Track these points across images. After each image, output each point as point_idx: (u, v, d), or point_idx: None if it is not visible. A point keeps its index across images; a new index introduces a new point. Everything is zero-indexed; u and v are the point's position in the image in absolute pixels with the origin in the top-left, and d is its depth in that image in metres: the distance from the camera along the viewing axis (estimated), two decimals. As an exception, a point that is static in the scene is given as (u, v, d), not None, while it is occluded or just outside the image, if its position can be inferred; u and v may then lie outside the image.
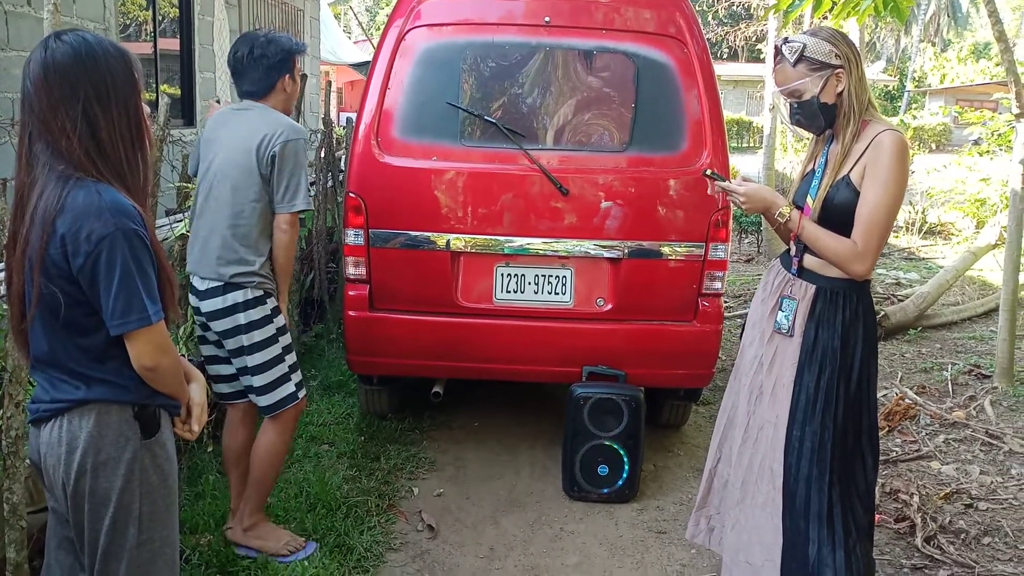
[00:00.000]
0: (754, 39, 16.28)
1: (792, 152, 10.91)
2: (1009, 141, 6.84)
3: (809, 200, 2.43)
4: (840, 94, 2.34)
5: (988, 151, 8.56)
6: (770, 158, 8.91)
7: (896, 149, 2.27)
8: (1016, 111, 4.47)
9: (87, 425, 1.70)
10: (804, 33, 2.42)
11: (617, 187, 3.62)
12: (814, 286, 2.42)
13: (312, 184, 5.91)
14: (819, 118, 2.38)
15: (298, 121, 5.38)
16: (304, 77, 2.99)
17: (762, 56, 17.26)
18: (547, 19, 3.61)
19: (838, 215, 2.34)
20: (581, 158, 3.63)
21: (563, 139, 3.65)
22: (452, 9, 3.69)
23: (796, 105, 2.40)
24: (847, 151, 2.35)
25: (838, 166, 2.36)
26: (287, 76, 2.93)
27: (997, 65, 26.74)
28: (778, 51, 2.41)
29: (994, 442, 4.04)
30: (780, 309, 2.49)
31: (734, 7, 16.27)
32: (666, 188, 3.63)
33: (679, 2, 3.73)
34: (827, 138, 2.47)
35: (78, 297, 1.66)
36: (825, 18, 4.05)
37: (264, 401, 2.91)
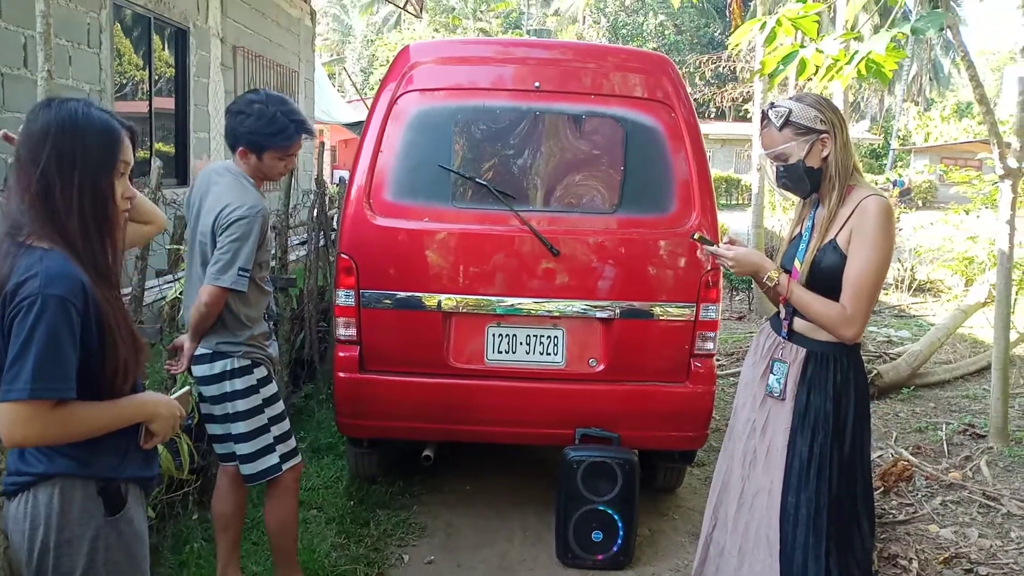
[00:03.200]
0: (740, 100, 16.61)
1: (781, 211, 11.03)
2: (995, 200, 6.93)
3: (797, 263, 2.45)
4: (825, 158, 2.38)
5: (970, 210, 8.68)
6: (759, 216, 8.99)
7: (881, 213, 2.30)
8: (1000, 172, 4.53)
9: (50, 501, 1.65)
10: (790, 98, 2.47)
11: (607, 248, 3.63)
12: (804, 349, 2.42)
13: (302, 243, 5.93)
14: (805, 182, 2.41)
15: (291, 182, 5.42)
16: (285, 157, 2.86)
17: (748, 116, 17.59)
18: (537, 84, 3.67)
19: (825, 279, 2.35)
20: (571, 219, 3.65)
21: (553, 201, 3.68)
22: (444, 74, 3.75)
23: (782, 168, 2.43)
24: (833, 215, 2.37)
25: (824, 230, 2.38)
26: (243, 149, 2.83)
27: (980, 124, 27.30)
28: (764, 115, 2.46)
29: (992, 504, 3.99)
30: (772, 372, 2.48)
31: (720, 69, 16.65)
32: (656, 249, 3.65)
33: (666, 67, 3.80)
34: (813, 202, 2.51)
35: None
36: (810, 80, 4.11)
37: (246, 470, 2.87)
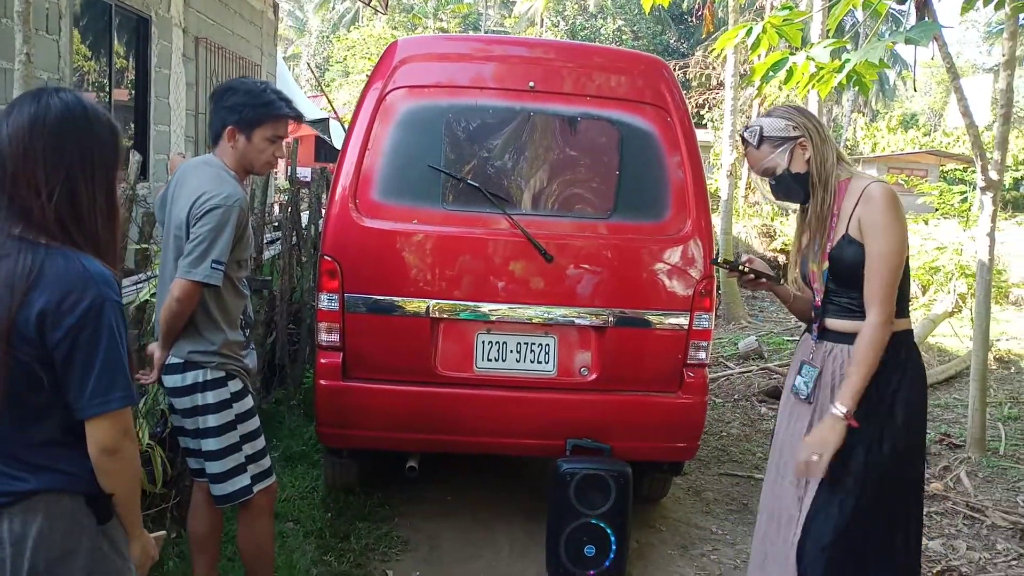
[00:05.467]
0: (705, 107, 16.76)
1: (745, 217, 11.12)
2: (964, 211, 7.07)
3: (813, 266, 2.44)
4: (808, 160, 2.41)
5: (928, 219, 8.85)
6: (727, 223, 9.02)
7: (885, 199, 2.31)
8: (981, 184, 4.57)
9: (35, 520, 1.52)
10: (760, 117, 2.56)
11: (601, 254, 3.54)
12: (847, 347, 2.35)
13: (272, 243, 5.72)
14: (796, 188, 2.46)
15: (268, 178, 5.22)
16: (275, 140, 2.67)
17: (704, 122, 17.76)
18: (532, 84, 3.56)
19: (849, 272, 2.34)
20: (565, 224, 3.55)
21: (547, 205, 3.57)
22: (434, 71, 3.62)
23: (774, 181, 2.49)
24: (834, 211, 2.38)
25: (830, 229, 2.38)
26: (232, 127, 2.63)
27: (925, 135, 28.05)
28: (744, 139, 2.52)
29: (976, 515, 4.01)
30: (799, 374, 2.45)
31: (684, 78, 16.75)
32: (650, 256, 3.57)
33: (661, 70, 3.73)
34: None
35: (40, 379, 1.49)
36: (781, 89, 4.10)
37: (216, 491, 2.68)
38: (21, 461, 1.53)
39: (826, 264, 2.39)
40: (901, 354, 2.33)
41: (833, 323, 2.41)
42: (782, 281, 2.59)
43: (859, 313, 2.33)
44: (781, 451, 2.52)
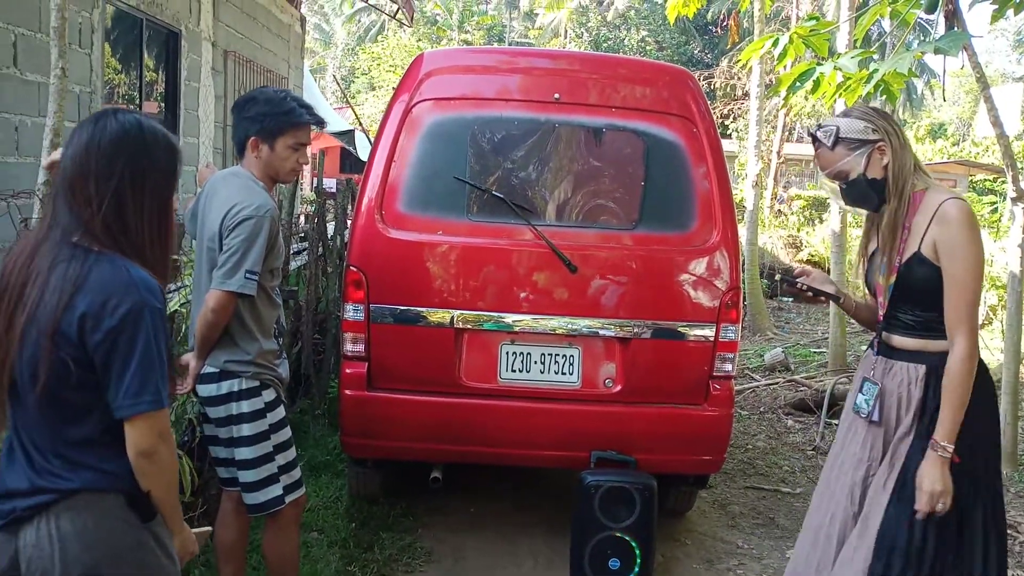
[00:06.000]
0: (730, 117, 16.68)
1: (771, 228, 11.04)
2: (994, 222, 6.96)
3: (880, 279, 2.37)
4: (887, 166, 2.30)
5: None
6: (753, 233, 8.95)
7: (963, 219, 2.21)
8: (1013, 195, 4.50)
9: (82, 519, 1.57)
10: (836, 116, 2.41)
11: (626, 265, 3.53)
12: (923, 367, 2.28)
13: (298, 253, 5.77)
14: (871, 195, 2.34)
15: (296, 189, 5.26)
16: (298, 147, 2.72)
17: (728, 133, 17.66)
18: (557, 96, 3.56)
19: (917, 291, 2.26)
20: (590, 235, 3.54)
21: (572, 216, 3.57)
22: (460, 83, 3.64)
23: (845, 186, 2.36)
24: (905, 225, 2.28)
25: (895, 241, 2.29)
26: (255, 138, 2.66)
27: (953, 145, 27.72)
28: (814, 137, 2.38)
29: (1009, 531, 3.92)
30: (860, 392, 2.37)
31: (708, 88, 16.69)
32: (676, 267, 3.55)
33: (687, 80, 3.72)
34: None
35: (80, 380, 1.55)
36: (807, 98, 4.07)
37: (249, 500, 2.70)
38: (64, 459, 1.58)
39: (893, 279, 2.32)
40: (979, 380, 2.24)
41: (895, 339, 2.35)
42: (841, 299, 2.54)
43: (923, 332, 2.28)
44: (834, 468, 2.45)
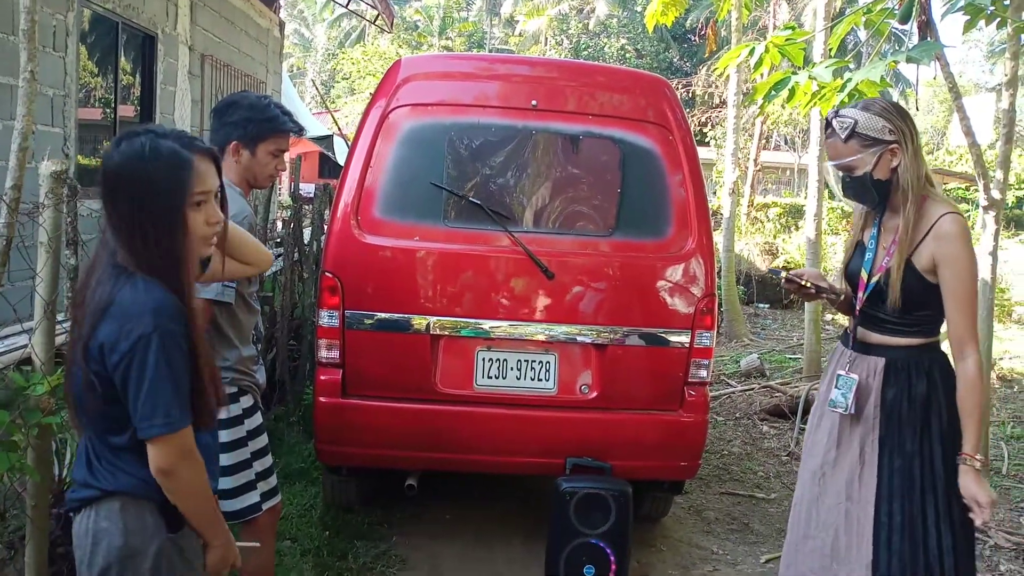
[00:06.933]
0: (708, 125, 16.80)
1: (747, 235, 11.12)
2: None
3: (864, 274, 2.38)
4: (895, 169, 2.28)
5: None
6: (730, 240, 9.02)
7: (962, 235, 2.24)
8: (984, 203, 4.56)
9: (112, 517, 1.69)
10: (855, 107, 2.34)
11: (603, 272, 3.54)
12: (882, 360, 2.32)
13: (278, 257, 5.73)
14: (872, 193, 2.33)
15: (271, 194, 5.23)
16: (279, 153, 2.69)
17: (707, 140, 17.80)
18: (534, 103, 3.57)
19: (900, 296, 2.27)
20: (566, 242, 3.55)
21: (548, 222, 3.58)
22: (437, 89, 3.63)
23: (848, 179, 2.34)
24: (908, 231, 2.28)
25: (893, 245, 2.31)
26: (236, 143, 2.62)
27: (928, 153, 28.05)
28: (829, 124, 2.34)
29: (979, 536, 3.97)
30: (836, 387, 2.38)
31: (686, 94, 16.79)
32: (652, 274, 3.57)
33: (663, 89, 3.74)
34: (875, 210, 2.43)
35: (110, 395, 1.66)
36: (782, 106, 4.10)
37: (225, 507, 2.65)
38: (109, 462, 1.71)
39: (877, 278, 2.34)
40: (939, 373, 2.29)
41: (869, 335, 2.37)
42: (841, 297, 2.53)
43: (897, 330, 2.31)
44: (823, 469, 2.43)
